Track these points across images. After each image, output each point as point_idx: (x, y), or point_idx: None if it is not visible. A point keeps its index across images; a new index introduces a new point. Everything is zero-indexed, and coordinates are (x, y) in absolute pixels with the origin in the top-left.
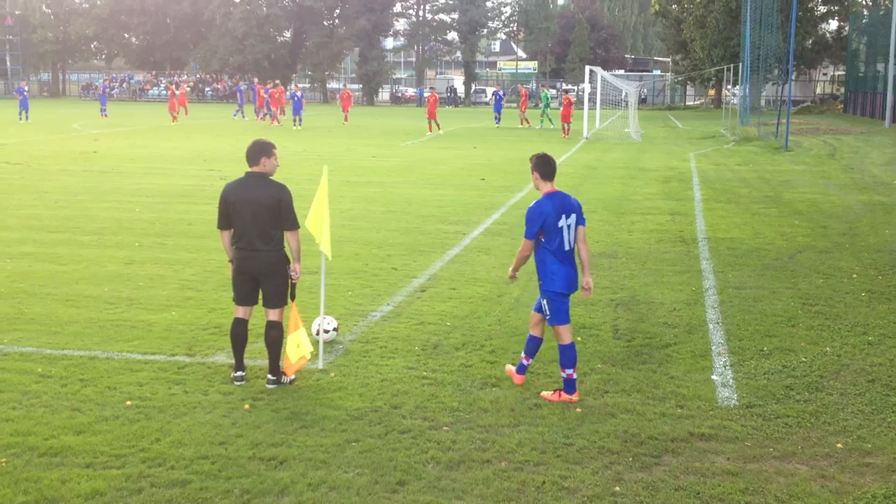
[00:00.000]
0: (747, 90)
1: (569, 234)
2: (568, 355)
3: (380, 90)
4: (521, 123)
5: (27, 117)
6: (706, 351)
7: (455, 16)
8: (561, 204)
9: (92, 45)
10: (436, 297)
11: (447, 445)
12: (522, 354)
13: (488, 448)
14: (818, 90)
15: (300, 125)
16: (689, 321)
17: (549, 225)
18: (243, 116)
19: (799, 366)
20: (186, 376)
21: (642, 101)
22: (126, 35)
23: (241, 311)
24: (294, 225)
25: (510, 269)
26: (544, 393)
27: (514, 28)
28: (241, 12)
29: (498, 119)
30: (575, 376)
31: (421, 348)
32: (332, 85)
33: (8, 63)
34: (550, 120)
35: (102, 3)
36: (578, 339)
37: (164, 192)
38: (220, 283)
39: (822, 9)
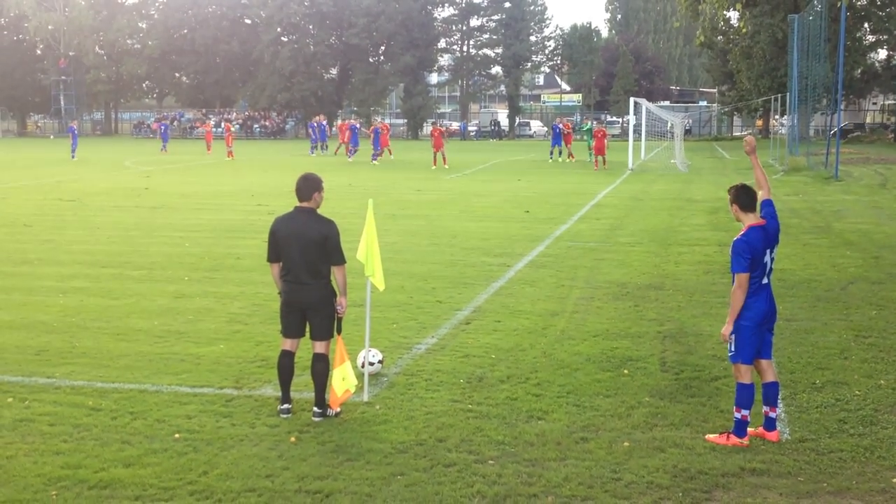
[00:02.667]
0: (795, 120)
1: (770, 266)
2: (744, 395)
3: (424, 124)
4: (568, 157)
5: (73, 155)
6: (757, 384)
7: (499, 50)
8: (766, 236)
9: (143, 85)
10: (480, 329)
11: (493, 479)
12: (764, 408)
13: (534, 482)
14: (868, 119)
15: (377, 160)
16: None
17: (756, 258)
18: (322, 150)
19: (852, 399)
20: (234, 409)
21: (687, 132)
22: (176, 74)
23: (288, 344)
24: (341, 260)
25: (728, 320)
26: (710, 436)
27: (558, 61)
28: (289, 50)
29: (554, 154)
30: (748, 419)
31: (466, 381)
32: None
33: (62, 103)
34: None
35: (154, 44)
36: (625, 371)
37: (212, 227)
38: (267, 316)
39: (871, 38)
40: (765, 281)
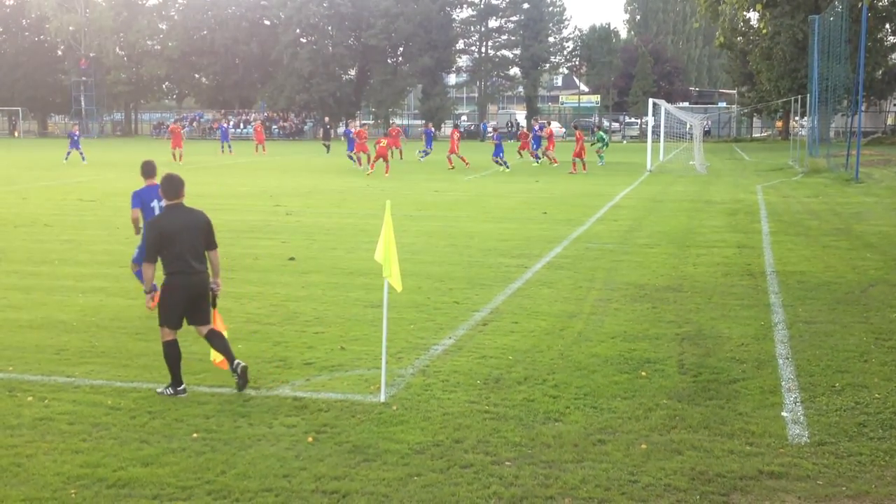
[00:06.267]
0: (816, 121)
1: None
2: None
3: (442, 125)
4: (551, 162)
5: (66, 157)
6: (776, 387)
7: (517, 51)
8: None
9: (163, 86)
10: (497, 330)
11: (509, 481)
12: None
13: (551, 484)
14: (889, 121)
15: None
16: (758, 356)
17: None
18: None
19: (872, 402)
20: (251, 409)
21: (706, 133)
22: (196, 75)
23: (174, 334)
24: (216, 244)
25: None
26: None
27: (577, 62)
28: (308, 52)
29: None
30: None
31: (483, 382)
32: (396, 121)
33: (83, 104)
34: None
35: (173, 45)
36: (643, 373)
37: (230, 227)
38: (284, 316)
39: (892, 39)
40: None
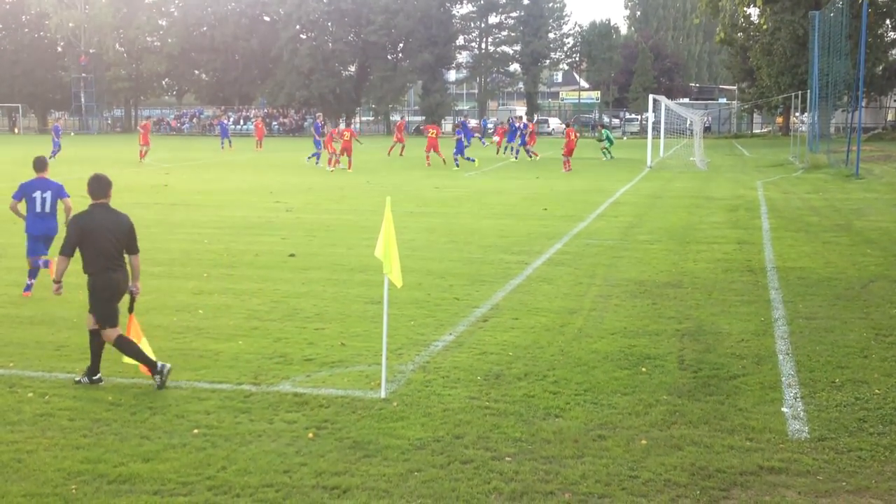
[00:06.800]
0: (816, 117)
1: None
2: None
3: (442, 122)
4: (531, 155)
5: (52, 156)
6: (776, 382)
7: (517, 47)
8: None
9: (163, 82)
10: (498, 326)
11: (510, 476)
12: None
13: (551, 479)
14: (889, 117)
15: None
16: (758, 352)
17: None
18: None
19: (872, 398)
20: (252, 405)
21: (707, 129)
22: (196, 72)
23: (118, 329)
24: (138, 248)
25: None
26: None
27: (577, 58)
28: (308, 48)
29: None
30: None
31: (483, 378)
32: (395, 117)
33: (83, 100)
34: (609, 152)
35: (173, 42)
36: (643, 369)
37: (231, 224)
38: (285, 313)
39: (893, 34)
40: None
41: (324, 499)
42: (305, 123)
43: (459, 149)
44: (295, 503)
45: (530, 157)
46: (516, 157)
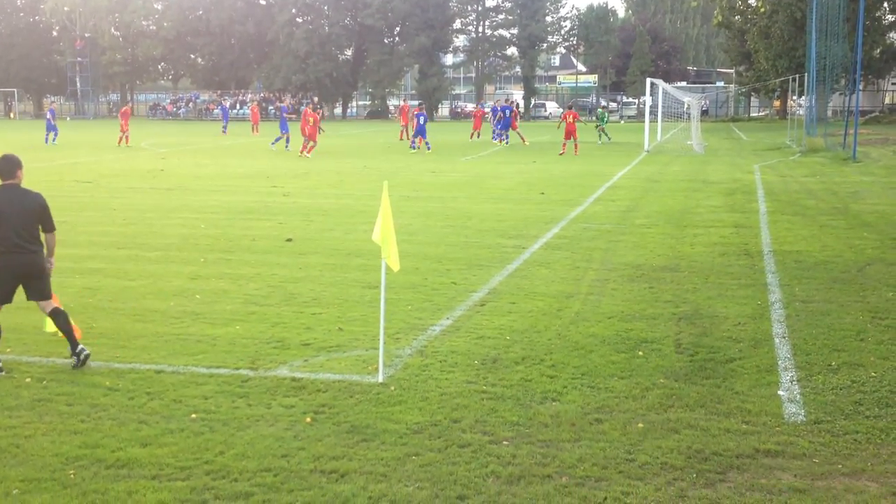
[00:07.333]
0: (813, 101)
1: None
2: None
3: (440, 106)
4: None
5: (55, 140)
6: (772, 366)
7: (514, 31)
8: None
9: (159, 66)
10: (495, 311)
11: (507, 460)
12: None
13: (549, 463)
14: (887, 100)
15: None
16: (755, 335)
17: None
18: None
19: (868, 381)
20: (250, 390)
21: (704, 112)
22: (192, 56)
23: (2, 309)
24: (53, 227)
25: None
26: None
27: (574, 42)
28: (304, 32)
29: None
30: None
31: (480, 362)
32: (392, 101)
33: (78, 84)
34: (606, 134)
35: (169, 25)
36: (640, 353)
37: (228, 208)
38: (282, 297)
39: (890, 17)
40: None
41: (322, 483)
42: (302, 108)
43: (419, 131)
44: (293, 487)
45: (498, 140)
46: (507, 143)
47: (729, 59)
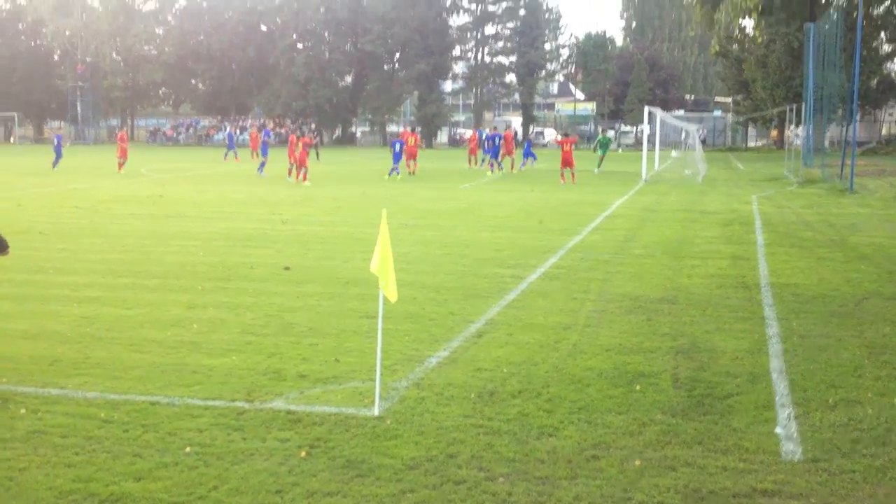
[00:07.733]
0: (810, 131)
1: None
2: None
3: (438, 132)
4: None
5: (55, 166)
6: (770, 402)
7: (513, 58)
8: None
9: (160, 91)
10: (492, 342)
11: (503, 497)
12: None
13: (545, 501)
14: (884, 131)
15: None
16: (753, 370)
17: None
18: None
19: (865, 418)
20: (245, 422)
21: (703, 142)
22: (193, 81)
23: None
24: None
25: None
26: None
27: (573, 70)
28: (304, 58)
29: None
30: None
31: (477, 395)
32: (391, 128)
33: (79, 109)
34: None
35: (170, 50)
36: (637, 387)
37: (226, 235)
38: (279, 327)
39: (887, 47)
40: None
41: None
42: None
43: (396, 160)
44: None
45: (492, 170)
46: (502, 169)
47: (726, 88)
